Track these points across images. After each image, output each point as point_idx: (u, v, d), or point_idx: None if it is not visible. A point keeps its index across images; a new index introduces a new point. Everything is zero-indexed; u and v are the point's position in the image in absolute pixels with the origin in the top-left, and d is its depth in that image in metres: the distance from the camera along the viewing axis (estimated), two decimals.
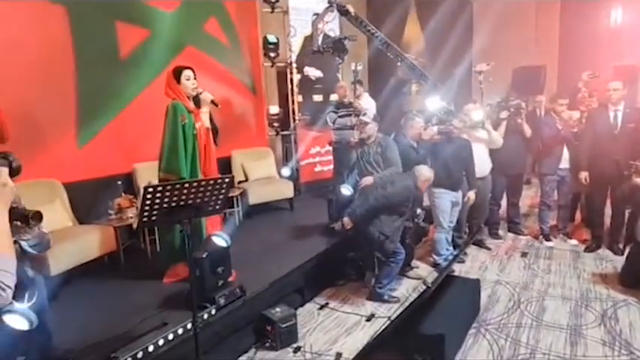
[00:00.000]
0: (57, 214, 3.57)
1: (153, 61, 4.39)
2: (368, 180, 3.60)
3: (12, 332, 1.96)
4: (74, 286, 3.33)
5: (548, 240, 4.75)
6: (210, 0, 4.93)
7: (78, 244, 3.36)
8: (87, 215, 3.85)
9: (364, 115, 3.87)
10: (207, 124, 3.20)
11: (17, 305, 1.98)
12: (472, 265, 4.33)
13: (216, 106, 3.24)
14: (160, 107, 3.17)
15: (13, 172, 1.32)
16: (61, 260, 3.18)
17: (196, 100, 3.22)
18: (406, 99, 7.79)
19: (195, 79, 3.16)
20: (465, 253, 4.45)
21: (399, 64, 4.68)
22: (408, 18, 7.72)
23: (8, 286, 1.19)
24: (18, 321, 1.99)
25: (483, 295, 3.54)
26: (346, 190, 4.33)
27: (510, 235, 5.01)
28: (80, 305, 3.07)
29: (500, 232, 4.97)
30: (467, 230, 4.62)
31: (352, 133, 4.94)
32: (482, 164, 4.33)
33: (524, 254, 4.53)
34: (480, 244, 4.71)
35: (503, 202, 4.96)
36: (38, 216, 1.41)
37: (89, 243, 3.46)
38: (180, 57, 4.49)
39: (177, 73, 3.14)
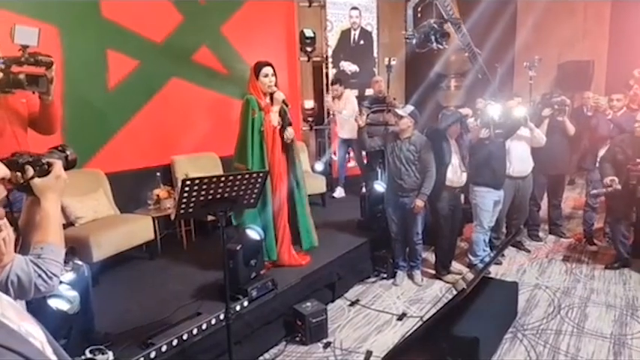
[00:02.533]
0: (100, 203, 3.71)
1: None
2: (419, 204, 3.58)
3: (56, 315, 2.07)
4: (114, 272, 3.47)
5: (592, 244, 4.55)
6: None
7: (119, 233, 3.48)
8: (127, 205, 3.99)
9: (401, 109, 3.79)
10: (275, 122, 3.28)
11: (62, 290, 2.09)
12: (509, 267, 4.21)
13: (287, 106, 3.33)
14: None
15: (69, 165, 1.38)
16: (103, 248, 3.31)
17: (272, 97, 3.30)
18: (444, 94, 7.62)
19: (273, 76, 3.24)
20: (503, 255, 4.32)
21: (474, 54, 4.49)
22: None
23: (55, 275, 1.24)
24: (62, 304, 2.10)
25: (521, 299, 3.44)
26: (380, 186, 4.31)
27: (551, 237, 4.83)
28: (119, 291, 3.19)
29: (541, 234, 4.79)
30: (505, 231, 4.49)
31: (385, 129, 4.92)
32: (524, 163, 4.19)
33: (565, 258, 4.35)
34: (518, 245, 4.56)
35: (544, 204, 4.78)
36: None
37: (129, 232, 3.57)
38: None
39: (257, 70, 3.23)
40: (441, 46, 4.48)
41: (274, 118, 3.27)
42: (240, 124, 3.23)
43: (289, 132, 3.33)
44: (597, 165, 4.16)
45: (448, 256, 3.98)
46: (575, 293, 3.64)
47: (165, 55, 4.42)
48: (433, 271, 3.99)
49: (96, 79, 3.98)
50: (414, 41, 4.52)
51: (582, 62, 7.03)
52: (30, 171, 1.28)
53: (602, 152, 4.22)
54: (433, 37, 4.37)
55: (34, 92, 2.09)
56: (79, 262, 2.44)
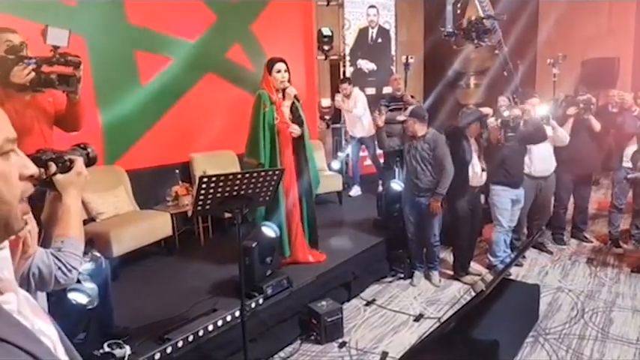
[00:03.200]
0: (120, 199, 3.77)
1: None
2: (434, 204, 3.53)
3: (75, 309, 2.10)
4: (133, 268, 3.52)
5: (617, 246, 4.41)
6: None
7: (138, 229, 3.53)
8: (146, 201, 4.04)
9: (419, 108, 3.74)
10: (287, 117, 3.28)
11: (83, 283, 2.11)
12: (531, 269, 4.11)
13: (298, 101, 3.33)
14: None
15: (90, 162, 1.42)
16: (122, 243, 3.35)
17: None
18: (463, 92, 7.51)
19: (286, 71, 3.25)
20: (524, 256, 4.22)
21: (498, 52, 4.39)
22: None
23: (75, 268, 1.26)
24: (81, 298, 2.13)
25: (543, 302, 3.35)
26: (397, 185, 4.27)
27: (574, 240, 4.69)
28: (138, 286, 3.23)
29: (565, 238, 4.65)
30: (526, 232, 4.39)
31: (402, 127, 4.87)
32: (546, 162, 4.08)
33: (590, 260, 4.23)
34: (540, 247, 4.45)
35: (571, 205, 4.64)
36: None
37: (148, 228, 3.62)
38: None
39: (270, 65, 3.25)
40: (482, 43, 4.35)
41: (286, 112, 3.27)
42: (252, 119, 3.25)
43: (294, 128, 3.30)
44: (623, 164, 4.05)
45: (467, 256, 3.91)
46: (599, 297, 3.53)
47: (199, 53, 4.50)
48: (451, 272, 3.92)
49: (127, 80, 4.07)
50: (452, 39, 4.40)
51: (607, 59, 6.82)
52: (53, 167, 1.31)
53: (627, 150, 4.08)
54: (474, 34, 4.24)
55: (64, 91, 2.15)
56: (97, 254, 2.47)
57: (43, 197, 1.33)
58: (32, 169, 0.68)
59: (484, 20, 4.19)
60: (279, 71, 3.22)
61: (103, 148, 3.86)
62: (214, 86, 4.64)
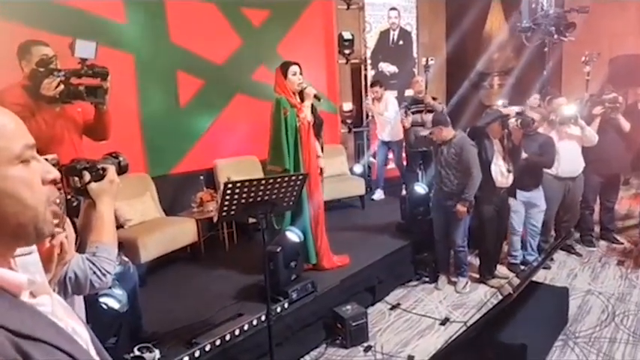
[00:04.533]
0: (147, 206, 3.86)
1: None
2: (460, 209, 3.49)
3: (107, 314, 2.17)
4: (160, 273, 3.59)
5: None
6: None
7: (165, 235, 3.61)
8: (172, 208, 4.13)
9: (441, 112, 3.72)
10: (310, 117, 3.29)
11: (113, 289, 2.18)
12: (559, 272, 4.01)
13: (319, 100, 3.33)
14: None
15: (122, 170, 1.47)
16: (150, 249, 3.44)
17: (302, 95, 3.33)
18: (486, 93, 7.40)
19: (301, 74, 3.27)
20: (552, 259, 4.13)
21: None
22: (490, 7, 7.29)
23: (109, 272, 1.32)
24: (112, 303, 2.20)
25: (572, 305, 3.27)
26: (421, 188, 4.24)
27: (603, 242, 4.55)
28: (165, 292, 3.31)
29: (594, 240, 4.52)
30: (554, 234, 4.28)
31: (424, 130, 4.83)
32: (574, 163, 3.98)
33: (620, 262, 4.10)
34: (569, 249, 4.34)
35: (598, 206, 4.52)
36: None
37: (174, 234, 3.69)
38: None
39: (284, 69, 3.27)
40: (564, 38, 4.19)
41: (307, 113, 3.27)
42: (272, 126, 3.23)
43: (307, 112, 3.28)
44: None
45: (493, 259, 3.85)
46: (630, 299, 3.42)
47: (227, 75, 4.67)
48: (477, 275, 3.87)
49: (168, 100, 4.33)
50: (528, 34, 4.27)
51: (636, 56, 6.60)
52: (87, 176, 1.37)
53: None
54: (553, 29, 4.09)
55: (92, 103, 2.22)
56: (126, 258, 2.55)
57: (78, 205, 1.39)
58: (54, 173, 0.69)
59: (566, 13, 4.01)
60: (294, 74, 3.23)
61: (145, 161, 4.12)
62: (245, 106, 4.78)
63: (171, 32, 4.28)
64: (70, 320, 0.69)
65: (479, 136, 3.59)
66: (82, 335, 0.70)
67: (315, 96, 3.29)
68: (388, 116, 5.40)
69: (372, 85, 5.63)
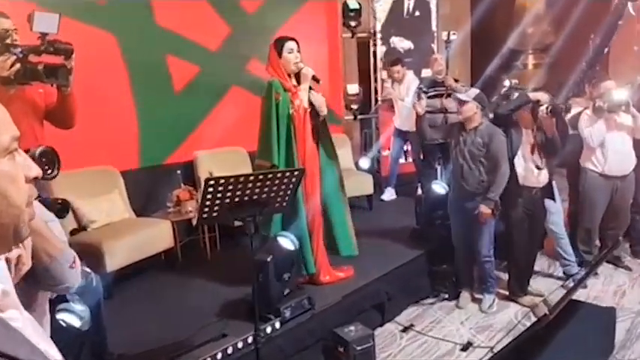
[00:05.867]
0: (114, 205, 3.86)
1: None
2: (484, 210, 3.48)
3: (66, 332, 2.16)
4: (129, 285, 3.59)
5: None
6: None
7: (135, 239, 3.61)
8: (144, 207, 4.14)
9: (465, 92, 3.70)
10: (306, 103, 3.26)
11: (72, 303, 2.18)
12: (605, 288, 4.02)
13: (317, 82, 3.32)
14: None
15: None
16: (117, 256, 3.43)
17: (299, 77, 3.31)
18: (519, 74, 7.37)
19: (298, 52, 3.24)
20: (596, 273, 4.12)
21: None
22: None
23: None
24: (72, 320, 2.19)
25: (620, 328, 3.27)
26: (440, 187, 4.23)
27: None
28: (135, 306, 3.31)
29: None
30: (599, 244, 4.28)
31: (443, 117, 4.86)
32: (624, 158, 3.96)
33: None
34: (616, 262, 4.34)
35: None
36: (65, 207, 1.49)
37: (146, 238, 3.70)
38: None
39: (279, 46, 3.23)
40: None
41: (304, 98, 3.25)
42: (262, 113, 3.22)
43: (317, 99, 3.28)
44: None
45: (525, 273, 3.85)
46: None
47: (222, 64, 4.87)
48: (506, 292, 3.88)
49: (161, 85, 4.52)
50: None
51: None
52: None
53: None
54: None
55: (52, 84, 2.21)
56: (87, 269, 2.54)
57: None
58: (35, 170, 0.72)
59: None
60: (291, 51, 3.21)
61: (138, 152, 4.36)
62: (242, 99, 4.87)
63: (156, 13, 4.41)
64: (40, 340, 0.70)
65: (504, 124, 3.59)
66: (55, 356, 0.71)
67: (314, 77, 3.27)
68: (409, 101, 5.39)
69: (391, 64, 5.62)
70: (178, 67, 4.55)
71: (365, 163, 5.65)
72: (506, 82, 4.90)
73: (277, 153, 3.19)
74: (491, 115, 3.78)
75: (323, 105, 3.32)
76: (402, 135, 5.65)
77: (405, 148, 5.85)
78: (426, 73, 5.89)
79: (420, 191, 5.06)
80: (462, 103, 3.54)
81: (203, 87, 4.73)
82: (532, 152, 3.61)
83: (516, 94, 3.84)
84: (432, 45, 6.52)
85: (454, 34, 5.24)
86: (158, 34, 4.43)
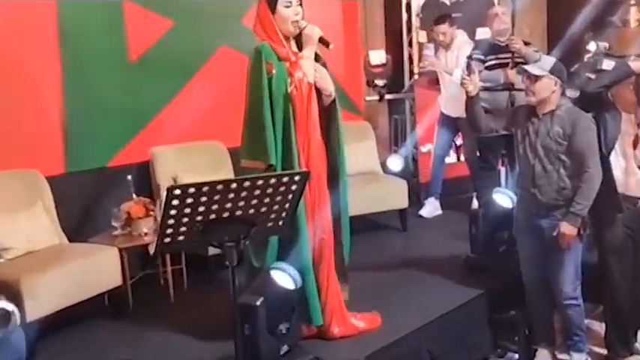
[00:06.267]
0: (38, 225, 3.85)
1: None
2: (566, 230, 3.44)
3: None
4: (59, 339, 3.58)
5: None
6: None
7: (67, 275, 3.58)
8: (80, 228, 4.16)
9: (535, 63, 3.67)
10: (311, 76, 3.26)
11: None
12: None
13: (327, 46, 3.29)
14: None
15: None
16: (41, 298, 3.41)
17: (299, 40, 3.32)
18: (617, 34, 7.33)
19: (300, 5, 3.24)
20: None
21: None
22: None
23: None
24: None
25: None
26: (504, 198, 4.21)
27: None
28: None
29: None
30: None
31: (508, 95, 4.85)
32: None
33: None
34: None
35: None
36: None
37: (83, 273, 3.68)
38: None
39: None
40: None
41: (308, 70, 3.23)
42: (249, 93, 3.22)
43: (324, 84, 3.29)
44: None
45: (629, 322, 3.82)
46: None
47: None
48: (603, 350, 3.86)
49: (110, 51, 4.54)
50: None
51: None
52: None
53: None
54: None
55: None
56: (8, 307, 2.54)
57: None
58: None
59: None
60: (289, 4, 3.19)
61: (63, 150, 4.30)
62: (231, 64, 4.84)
63: None
64: None
65: (594, 107, 3.57)
66: None
67: (322, 39, 3.25)
68: (458, 75, 5.39)
69: (436, 22, 5.62)
70: (140, 21, 4.53)
71: (396, 163, 5.65)
72: (591, 46, 4.87)
73: (274, 149, 3.18)
74: (572, 94, 3.75)
75: (327, 80, 3.31)
76: (450, 123, 5.66)
77: (455, 142, 5.83)
78: (483, 33, 5.89)
79: (475, 204, 5.05)
80: (533, 78, 3.52)
81: (175, 51, 4.72)
82: (635, 147, 3.58)
83: (609, 63, 3.81)
84: None
85: None
86: None
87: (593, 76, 3.93)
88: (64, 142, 4.34)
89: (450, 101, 5.56)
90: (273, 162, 3.15)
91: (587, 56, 4.52)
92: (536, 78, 3.48)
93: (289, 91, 3.20)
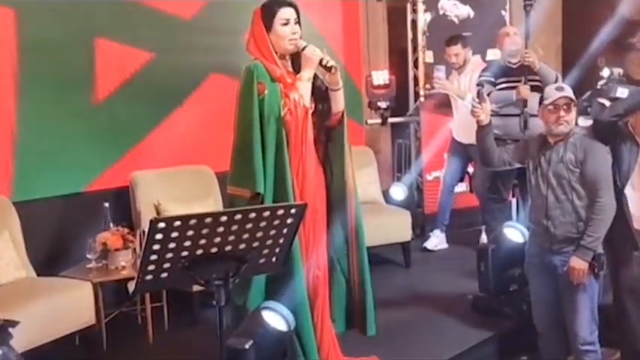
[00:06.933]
0: (4, 257, 3.81)
1: None
2: (576, 265, 3.43)
3: None
4: None
5: None
6: None
7: (36, 312, 3.53)
8: (51, 261, 4.12)
9: (558, 87, 3.68)
10: (307, 101, 3.25)
11: None
12: None
13: (330, 70, 3.27)
14: None
15: None
16: None
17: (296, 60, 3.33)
18: (637, 57, 7.41)
19: (298, 23, 3.25)
20: None
21: None
22: None
23: None
24: None
25: None
26: (516, 233, 4.21)
27: None
28: None
29: None
30: None
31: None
32: None
33: None
34: None
35: None
36: None
37: (53, 310, 3.63)
38: None
39: (268, 13, 3.24)
40: None
41: (305, 93, 3.24)
42: (238, 114, 3.23)
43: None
44: None
45: None
46: None
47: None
48: None
49: (72, 89, 4.56)
50: None
51: None
52: None
53: None
54: None
55: None
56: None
57: None
58: None
59: None
60: (286, 23, 3.22)
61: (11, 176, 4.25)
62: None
63: None
64: None
65: (608, 136, 3.58)
66: None
67: (323, 63, 3.23)
68: (470, 100, 5.43)
69: (448, 43, 5.68)
70: (113, 56, 4.62)
71: (399, 192, 5.66)
72: (605, 71, 4.89)
73: (262, 176, 3.17)
74: (584, 122, 3.76)
75: (337, 102, 3.35)
76: (462, 150, 5.69)
77: (467, 170, 5.84)
78: (494, 55, 5.92)
79: (484, 238, 5.03)
80: (567, 106, 3.50)
81: (154, 86, 4.81)
82: None
83: (623, 90, 3.82)
84: (502, 12, 6.58)
85: None
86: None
87: (607, 104, 3.94)
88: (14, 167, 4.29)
89: (462, 127, 5.58)
90: (259, 190, 3.14)
91: (600, 83, 4.53)
92: (569, 107, 3.49)
93: (282, 114, 3.20)
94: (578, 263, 3.42)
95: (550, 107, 3.52)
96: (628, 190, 3.56)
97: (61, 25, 4.45)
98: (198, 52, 5.09)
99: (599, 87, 4.44)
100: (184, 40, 5.02)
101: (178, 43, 4.98)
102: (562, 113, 3.45)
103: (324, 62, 3.22)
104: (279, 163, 3.22)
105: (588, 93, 4.53)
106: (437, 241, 5.72)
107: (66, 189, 4.43)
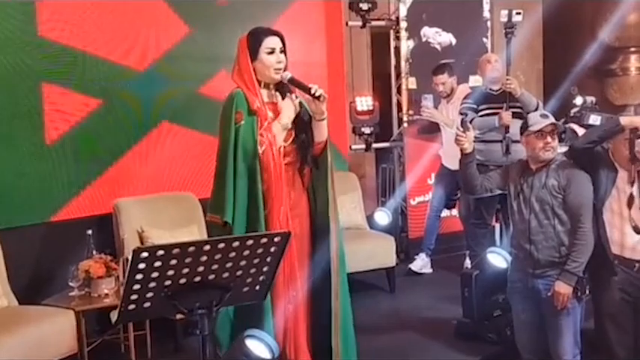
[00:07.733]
0: None
1: None
2: (560, 289, 3.45)
3: None
4: None
5: None
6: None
7: (17, 341, 3.52)
8: (33, 290, 4.08)
9: (542, 114, 3.71)
10: (281, 140, 3.24)
11: None
12: None
13: (318, 99, 3.20)
14: None
15: None
16: None
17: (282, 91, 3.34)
18: (617, 83, 7.48)
19: (283, 52, 3.26)
20: None
21: None
22: None
23: None
24: None
25: None
26: (499, 258, 4.22)
27: None
28: None
29: None
30: None
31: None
32: None
33: None
34: None
35: None
36: None
37: (34, 339, 3.61)
38: None
39: (254, 41, 3.25)
40: None
41: (278, 135, 3.22)
42: (219, 141, 3.28)
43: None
44: None
45: None
46: None
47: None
48: None
49: (23, 128, 4.55)
50: None
51: None
52: None
53: None
54: None
55: None
56: None
57: None
58: None
59: None
60: (272, 51, 3.23)
61: None
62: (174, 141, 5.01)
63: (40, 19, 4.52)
64: None
65: (584, 162, 3.60)
66: None
67: (312, 92, 3.18)
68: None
69: (433, 73, 5.72)
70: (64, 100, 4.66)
71: (383, 217, 5.66)
72: (578, 100, 4.95)
73: (231, 205, 3.16)
74: (561, 148, 3.79)
75: (320, 132, 3.34)
76: (450, 177, 5.69)
77: (454, 196, 5.87)
78: (476, 81, 5.97)
79: (468, 263, 5.04)
80: (554, 135, 3.54)
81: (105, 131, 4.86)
82: (630, 206, 3.61)
83: (595, 118, 3.86)
84: (484, 39, 6.64)
85: (519, 13, 5.24)
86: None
87: (578, 131, 3.99)
88: None
89: (450, 154, 5.60)
90: (227, 219, 3.14)
91: (573, 110, 4.59)
92: (554, 134, 3.53)
93: (258, 149, 3.19)
94: (564, 288, 3.43)
95: (537, 134, 3.57)
96: (606, 216, 3.60)
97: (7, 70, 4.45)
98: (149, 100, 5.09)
99: (572, 114, 4.50)
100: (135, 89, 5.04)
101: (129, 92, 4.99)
102: (549, 139, 3.48)
103: (312, 91, 3.18)
104: (251, 193, 3.21)
105: (562, 120, 4.59)
106: (422, 263, 5.72)
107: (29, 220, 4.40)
